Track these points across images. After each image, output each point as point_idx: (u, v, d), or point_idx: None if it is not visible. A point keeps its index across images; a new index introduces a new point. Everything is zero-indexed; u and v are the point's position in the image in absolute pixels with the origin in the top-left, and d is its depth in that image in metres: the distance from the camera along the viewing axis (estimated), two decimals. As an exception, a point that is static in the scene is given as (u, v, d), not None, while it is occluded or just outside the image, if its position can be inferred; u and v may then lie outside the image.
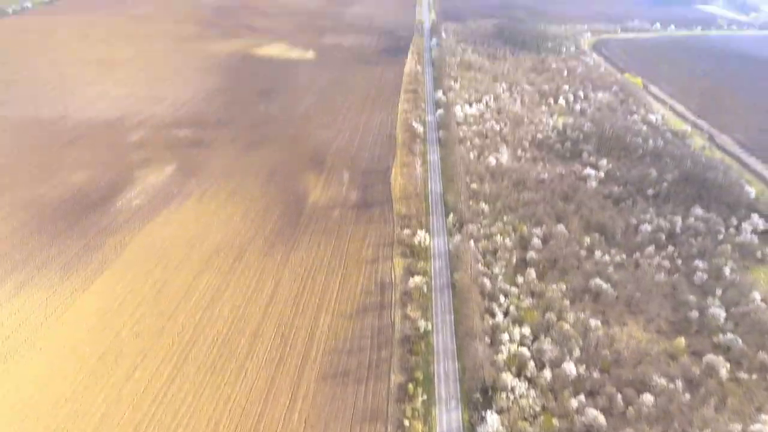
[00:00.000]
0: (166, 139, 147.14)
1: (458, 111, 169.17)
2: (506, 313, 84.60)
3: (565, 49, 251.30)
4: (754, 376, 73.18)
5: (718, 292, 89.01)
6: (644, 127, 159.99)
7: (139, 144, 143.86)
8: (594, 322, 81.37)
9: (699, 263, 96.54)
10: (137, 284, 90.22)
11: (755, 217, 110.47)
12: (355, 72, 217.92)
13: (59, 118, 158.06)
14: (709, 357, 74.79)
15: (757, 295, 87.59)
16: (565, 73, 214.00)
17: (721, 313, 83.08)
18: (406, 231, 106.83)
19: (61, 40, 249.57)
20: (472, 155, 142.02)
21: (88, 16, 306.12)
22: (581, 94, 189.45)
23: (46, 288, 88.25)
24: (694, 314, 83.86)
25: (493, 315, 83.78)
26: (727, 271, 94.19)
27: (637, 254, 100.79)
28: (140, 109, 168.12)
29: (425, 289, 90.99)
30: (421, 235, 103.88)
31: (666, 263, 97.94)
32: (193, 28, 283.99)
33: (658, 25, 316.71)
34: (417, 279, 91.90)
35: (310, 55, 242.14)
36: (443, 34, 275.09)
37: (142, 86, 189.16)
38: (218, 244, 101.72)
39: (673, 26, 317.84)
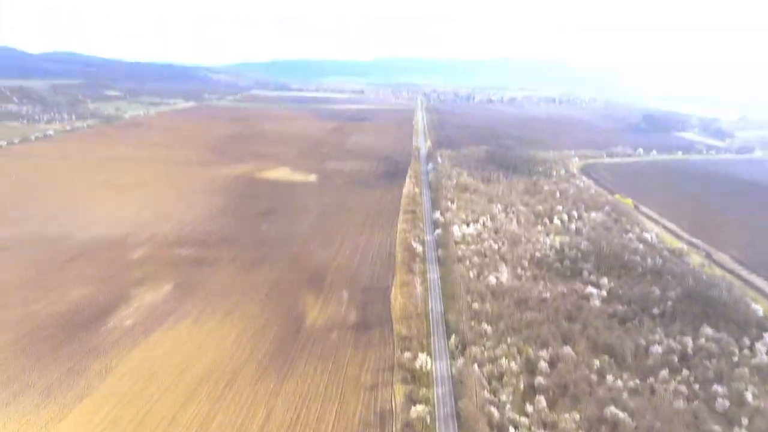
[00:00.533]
0: (167, 258, 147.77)
1: (456, 231, 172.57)
2: (517, 447, 77.75)
3: (555, 173, 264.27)
4: None
5: (744, 421, 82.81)
6: (640, 246, 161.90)
7: (140, 262, 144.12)
8: (614, 458, 74.38)
9: (718, 388, 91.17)
10: (119, 413, 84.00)
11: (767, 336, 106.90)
12: (356, 194, 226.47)
13: (64, 236, 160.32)
14: (747, 499, 67.14)
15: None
16: (558, 194, 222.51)
17: (752, 446, 76.47)
18: (407, 354, 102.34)
19: (76, 164, 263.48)
20: (471, 274, 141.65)
21: (104, 144, 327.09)
22: (575, 214, 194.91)
23: (19, 417, 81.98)
24: (722, 447, 77.16)
25: (503, 449, 76.91)
26: (749, 396, 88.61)
27: (651, 379, 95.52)
28: (145, 228, 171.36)
29: (428, 420, 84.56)
30: (423, 359, 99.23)
31: (683, 388, 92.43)
32: (203, 154, 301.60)
33: (641, 150, 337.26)
34: (419, 408, 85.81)
35: (312, 178, 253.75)
36: (439, 160, 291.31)
37: (149, 207, 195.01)
38: (210, 368, 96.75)
39: (654, 151, 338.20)
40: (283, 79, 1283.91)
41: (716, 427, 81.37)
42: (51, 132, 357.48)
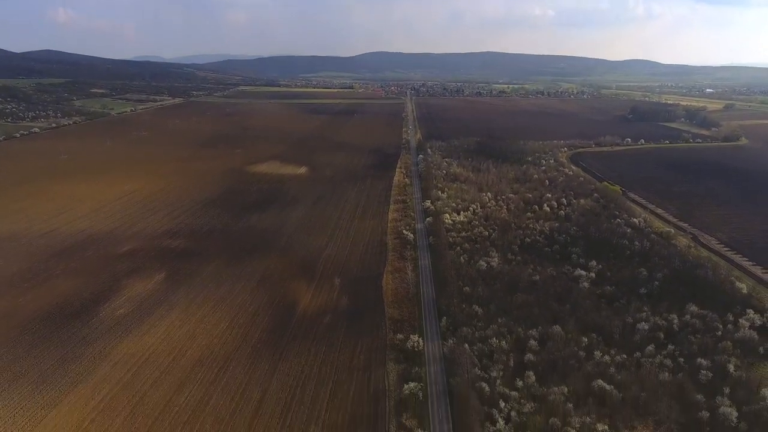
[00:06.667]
0: (156, 250, 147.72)
1: (447, 219, 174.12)
2: (507, 420, 79.22)
3: (544, 162, 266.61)
4: (781, 481, 67.33)
5: (726, 390, 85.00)
6: (628, 230, 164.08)
7: (129, 254, 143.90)
8: (602, 427, 76.20)
9: (702, 361, 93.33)
10: (113, 398, 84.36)
11: (751, 312, 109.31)
12: (346, 185, 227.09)
13: (50, 232, 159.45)
14: (729, 462, 69.29)
15: (767, 393, 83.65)
16: (547, 182, 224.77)
17: (733, 413, 78.49)
18: (399, 336, 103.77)
19: (61, 159, 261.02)
20: (462, 259, 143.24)
21: (91, 140, 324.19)
22: (564, 201, 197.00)
23: (17, 403, 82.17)
24: (705, 414, 79.19)
25: (493, 422, 78.32)
26: (731, 368, 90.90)
27: (638, 354, 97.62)
28: (133, 221, 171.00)
29: (421, 396, 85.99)
30: (415, 340, 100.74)
31: (668, 362, 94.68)
32: (191, 149, 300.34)
33: (628, 140, 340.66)
34: (412, 385, 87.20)
35: (302, 171, 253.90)
36: (429, 151, 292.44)
37: (137, 201, 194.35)
38: (203, 354, 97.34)
39: (642, 141, 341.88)
40: (270, 76, 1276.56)
41: (699, 397, 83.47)
42: (36, 129, 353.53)
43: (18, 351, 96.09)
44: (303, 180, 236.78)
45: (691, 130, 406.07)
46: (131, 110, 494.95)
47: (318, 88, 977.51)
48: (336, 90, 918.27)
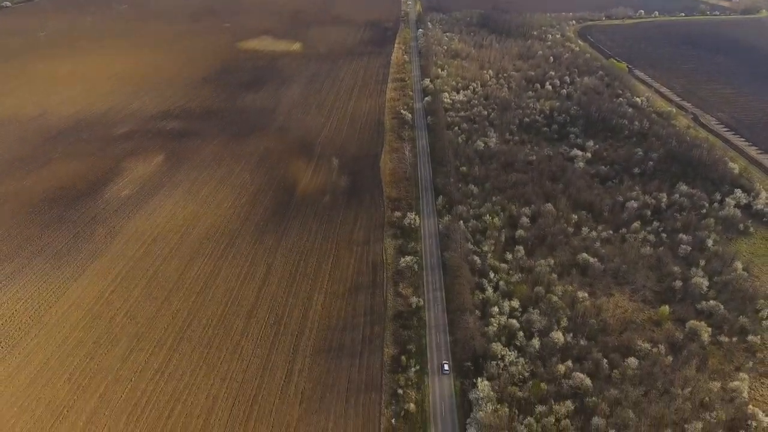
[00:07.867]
0: (153, 131, 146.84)
1: (446, 98, 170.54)
2: (496, 288, 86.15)
3: (550, 37, 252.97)
4: (734, 339, 75.69)
5: (702, 262, 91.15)
6: (630, 109, 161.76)
7: (126, 136, 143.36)
8: (581, 294, 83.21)
9: (683, 236, 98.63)
10: (129, 271, 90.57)
11: (738, 191, 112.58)
12: (342, 62, 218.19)
13: (41, 115, 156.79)
14: (692, 323, 76.97)
15: (739, 265, 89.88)
16: (551, 59, 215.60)
17: (704, 282, 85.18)
18: (397, 213, 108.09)
19: (42, 38, 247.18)
20: (460, 139, 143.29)
21: (71, 15, 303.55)
22: (567, 79, 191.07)
23: (39, 277, 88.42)
24: (678, 284, 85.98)
25: (483, 290, 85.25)
26: (710, 242, 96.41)
27: (624, 230, 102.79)
28: (127, 103, 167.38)
29: (416, 268, 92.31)
30: (411, 217, 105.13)
31: (651, 237, 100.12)
32: (177, 24, 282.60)
33: (641, 12, 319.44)
34: (408, 258, 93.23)
35: (295, 47, 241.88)
36: (429, 25, 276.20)
37: (128, 81, 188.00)
38: (209, 231, 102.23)
39: (656, 13, 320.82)
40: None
41: (675, 269, 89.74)
42: (7, 3, 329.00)
43: (32, 231, 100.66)
44: (297, 57, 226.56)
45: (710, 1, 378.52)
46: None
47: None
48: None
